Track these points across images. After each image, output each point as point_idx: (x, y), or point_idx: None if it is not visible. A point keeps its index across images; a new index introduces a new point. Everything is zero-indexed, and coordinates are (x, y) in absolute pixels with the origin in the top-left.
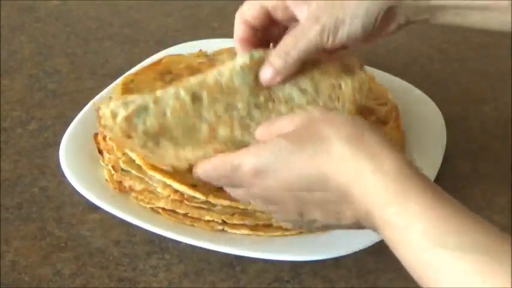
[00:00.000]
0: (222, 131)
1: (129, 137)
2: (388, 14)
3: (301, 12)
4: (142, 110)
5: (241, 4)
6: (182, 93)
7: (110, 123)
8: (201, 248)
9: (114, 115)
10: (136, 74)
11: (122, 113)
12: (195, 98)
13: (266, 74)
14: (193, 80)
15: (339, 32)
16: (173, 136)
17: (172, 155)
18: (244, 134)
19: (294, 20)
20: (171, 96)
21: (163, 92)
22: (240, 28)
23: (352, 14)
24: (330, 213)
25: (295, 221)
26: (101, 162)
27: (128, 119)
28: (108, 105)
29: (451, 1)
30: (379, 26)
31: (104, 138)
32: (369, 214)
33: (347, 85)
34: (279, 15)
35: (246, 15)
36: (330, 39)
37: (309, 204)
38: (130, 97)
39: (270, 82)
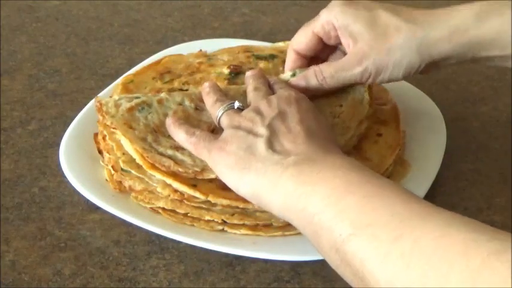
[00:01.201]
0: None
1: (130, 127)
2: (431, 65)
3: (347, 46)
4: (146, 106)
5: (241, 4)
6: (187, 102)
7: (113, 111)
8: (201, 248)
9: (117, 105)
10: (136, 74)
11: (126, 105)
12: (199, 107)
13: (299, 82)
14: (199, 93)
15: (380, 75)
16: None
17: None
18: None
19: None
20: (176, 102)
21: (168, 96)
22: (291, 58)
23: (395, 62)
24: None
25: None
26: (100, 162)
27: (130, 110)
28: (111, 98)
29: (494, 53)
30: (423, 70)
31: (104, 138)
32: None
33: (347, 103)
34: (331, 41)
35: (298, 46)
36: (370, 79)
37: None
38: (135, 94)
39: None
